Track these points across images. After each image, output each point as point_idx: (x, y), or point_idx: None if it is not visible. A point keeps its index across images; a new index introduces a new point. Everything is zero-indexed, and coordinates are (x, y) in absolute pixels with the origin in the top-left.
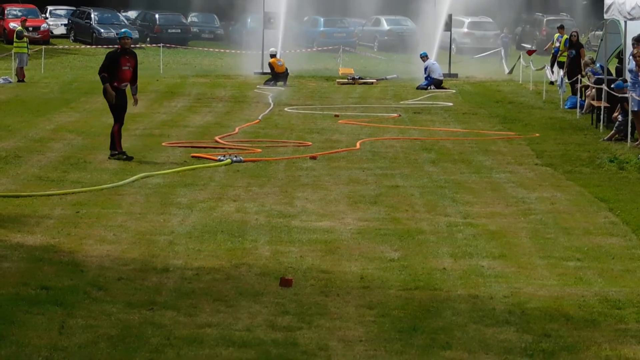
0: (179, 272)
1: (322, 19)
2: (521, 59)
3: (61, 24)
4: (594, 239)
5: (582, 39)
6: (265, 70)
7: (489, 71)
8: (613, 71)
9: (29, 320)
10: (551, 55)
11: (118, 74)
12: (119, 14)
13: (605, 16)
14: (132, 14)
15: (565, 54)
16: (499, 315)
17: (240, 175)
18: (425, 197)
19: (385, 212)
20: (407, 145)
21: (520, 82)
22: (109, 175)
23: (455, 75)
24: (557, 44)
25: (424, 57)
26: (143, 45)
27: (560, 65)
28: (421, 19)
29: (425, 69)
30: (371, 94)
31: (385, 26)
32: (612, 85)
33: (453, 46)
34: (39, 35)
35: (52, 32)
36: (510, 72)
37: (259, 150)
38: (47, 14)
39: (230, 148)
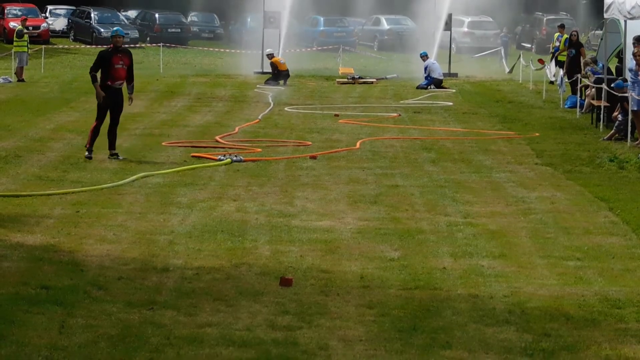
0: (179, 272)
1: (322, 19)
2: (521, 59)
3: (61, 16)
4: (594, 238)
5: (582, 39)
6: (265, 70)
7: (489, 71)
8: (613, 70)
9: (29, 320)
10: (551, 54)
11: (111, 73)
12: (119, 14)
13: (605, 15)
14: (132, 13)
15: (565, 53)
16: (499, 314)
17: (240, 174)
18: (425, 197)
19: (385, 212)
20: (407, 145)
21: (520, 81)
22: (108, 174)
23: (455, 75)
24: (557, 44)
25: (424, 56)
26: (143, 45)
27: (560, 64)
28: (421, 19)
29: (425, 68)
30: (371, 94)
31: (385, 26)
32: (612, 85)
33: (453, 45)
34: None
35: (51, 31)
36: (511, 71)
37: (259, 149)
38: (47, 14)
39: (230, 148)
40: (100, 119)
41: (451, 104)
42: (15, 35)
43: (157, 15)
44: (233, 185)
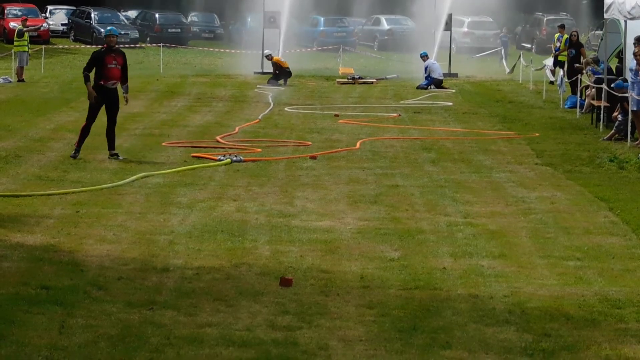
0: (179, 272)
1: (322, 19)
2: (521, 59)
3: (61, 12)
4: (594, 238)
5: (582, 39)
6: (265, 70)
7: (489, 71)
8: (614, 70)
9: (29, 320)
10: (551, 54)
11: (104, 72)
12: (119, 14)
13: (605, 15)
14: (132, 13)
15: (565, 53)
16: (499, 314)
17: (240, 174)
18: (425, 197)
19: (385, 212)
20: (407, 145)
21: (520, 81)
22: (108, 174)
23: (455, 75)
24: (558, 44)
25: (424, 56)
26: (143, 45)
27: (561, 64)
28: (421, 19)
29: (426, 68)
30: (371, 94)
31: (385, 26)
32: (612, 85)
33: (453, 46)
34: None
35: (51, 31)
36: (511, 71)
37: (259, 149)
38: (47, 14)
39: (230, 148)
40: (90, 119)
41: (451, 104)
42: (15, 34)
43: (157, 15)
44: (233, 185)
